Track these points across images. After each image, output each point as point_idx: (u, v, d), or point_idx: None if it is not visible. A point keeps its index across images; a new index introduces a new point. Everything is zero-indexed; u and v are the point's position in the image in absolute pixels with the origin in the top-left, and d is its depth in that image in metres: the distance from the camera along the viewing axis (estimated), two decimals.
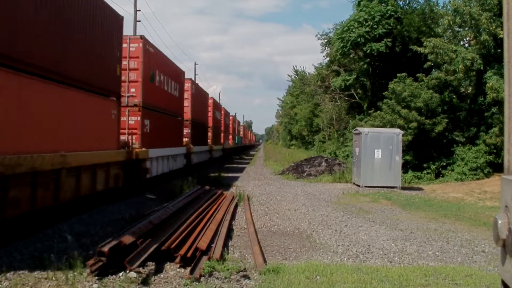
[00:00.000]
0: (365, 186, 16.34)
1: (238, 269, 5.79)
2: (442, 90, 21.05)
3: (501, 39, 16.67)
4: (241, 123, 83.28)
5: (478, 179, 18.67)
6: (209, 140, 27.45)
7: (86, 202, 9.66)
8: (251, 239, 7.62)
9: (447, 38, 20.82)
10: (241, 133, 72.31)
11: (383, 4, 25.16)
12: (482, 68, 18.99)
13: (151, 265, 5.96)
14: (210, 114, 28.46)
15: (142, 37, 13.43)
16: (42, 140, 7.32)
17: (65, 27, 8.06)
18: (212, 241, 6.98)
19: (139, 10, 33.35)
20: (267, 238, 8.08)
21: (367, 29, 24.26)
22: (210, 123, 28.38)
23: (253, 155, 58.29)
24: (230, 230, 8.47)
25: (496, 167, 19.08)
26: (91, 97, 9.51)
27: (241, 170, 26.41)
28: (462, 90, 21.55)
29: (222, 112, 37.55)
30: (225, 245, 7.10)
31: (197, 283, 5.32)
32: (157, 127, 14.72)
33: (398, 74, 21.48)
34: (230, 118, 48.14)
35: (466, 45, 21.06)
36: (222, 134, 35.56)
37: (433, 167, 19.90)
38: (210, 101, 29.12)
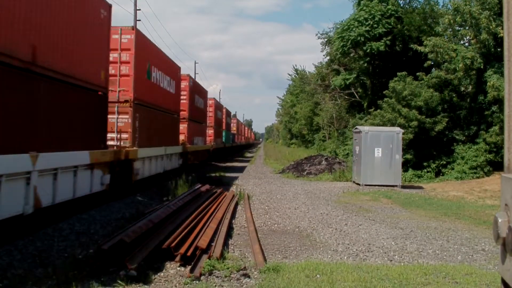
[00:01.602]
0: (365, 185, 16.35)
1: (238, 267, 5.79)
2: (442, 88, 21.05)
3: (501, 38, 16.64)
4: (232, 114, 59.59)
5: (478, 177, 18.67)
6: (125, 136, 12.37)
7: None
8: (251, 237, 7.63)
9: (447, 37, 20.81)
10: (234, 128, 54.67)
11: (383, 4, 25.12)
12: (482, 67, 18.99)
13: (151, 264, 5.96)
14: (136, 71, 12.75)
15: None
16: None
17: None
18: (212, 239, 6.98)
19: (139, 10, 33.22)
20: (267, 237, 8.08)
21: (367, 28, 24.24)
22: (144, 95, 13.40)
23: (250, 159, 41.23)
24: (230, 228, 8.47)
25: (496, 166, 19.08)
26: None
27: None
28: (462, 88, 21.53)
29: (187, 83, 21.09)
30: (225, 244, 7.11)
31: (197, 281, 5.32)
32: None
33: (398, 73, 21.47)
34: (211, 103, 31.03)
35: (466, 44, 21.05)
36: (185, 125, 20.35)
37: (433, 165, 19.91)
38: (152, 46, 14.32)
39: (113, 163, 10.37)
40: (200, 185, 13.55)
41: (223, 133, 37.95)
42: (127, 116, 12.51)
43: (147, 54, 14.03)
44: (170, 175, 16.18)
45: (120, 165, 11.14)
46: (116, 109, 12.26)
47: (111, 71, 11.53)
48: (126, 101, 12.49)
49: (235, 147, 51.68)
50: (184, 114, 20.39)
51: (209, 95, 30.53)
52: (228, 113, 44.87)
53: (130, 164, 11.87)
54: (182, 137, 19.83)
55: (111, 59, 11.42)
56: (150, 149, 13.69)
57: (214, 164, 28.35)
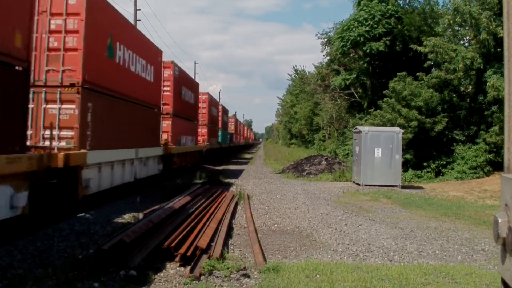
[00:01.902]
0: (365, 185, 16.35)
1: (238, 267, 5.79)
2: (442, 89, 21.06)
3: (501, 38, 16.67)
4: (232, 114, 57.38)
5: (478, 177, 18.68)
6: (69, 133, 9.00)
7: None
8: (251, 237, 7.63)
9: (447, 37, 20.82)
10: (232, 127, 50.73)
11: (383, 4, 25.13)
12: (482, 67, 19.00)
13: (151, 264, 5.96)
14: (88, 45, 9.01)
15: None
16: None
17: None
18: (212, 239, 6.99)
19: (139, 10, 33.17)
20: (267, 237, 8.08)
21: (367, 28, 24.25)
22: (102, 79, 9.98)
23: (249, 160, 38.22)
24: (230, 228, 8.47)
25: (496, 166, 19.09)
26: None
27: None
28: (462, 89, 21.56)
29: (171, 72, 17.70)
30: (225, 244, 7.11)
31: (197, 281, 5.32)
32: None
33: (398, 73, 21.48)
34: (204, 98, 27.34)
35: (466, 44, 21.06)
36: (169, 122, 17.19)
37: (433, 165, 19.92)
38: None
39: (37, 174, 6.83)
40: (200, 185, 13.48)
41: (219, 132, 34.23)
42: (73, 106, 8.78)
43: (108, 24, 10.30)
44: (145, 183, 13.86)
45: (55, 176, 7.90)
46: (58, 96, 8.75)
47: (53, 43, 8.83)
48: (72, 85, 8.77)
49: (233, 148, 48.03)
50: (167, 108, 17.05)
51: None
52: (225, 110, 40.32)
53: (76, 173, 8.52)
54: (165, 136, 16.62)
55: (53, 27, 8.83)
56: (111, 151, 10.27)
57: (207, 168, 24.21)
